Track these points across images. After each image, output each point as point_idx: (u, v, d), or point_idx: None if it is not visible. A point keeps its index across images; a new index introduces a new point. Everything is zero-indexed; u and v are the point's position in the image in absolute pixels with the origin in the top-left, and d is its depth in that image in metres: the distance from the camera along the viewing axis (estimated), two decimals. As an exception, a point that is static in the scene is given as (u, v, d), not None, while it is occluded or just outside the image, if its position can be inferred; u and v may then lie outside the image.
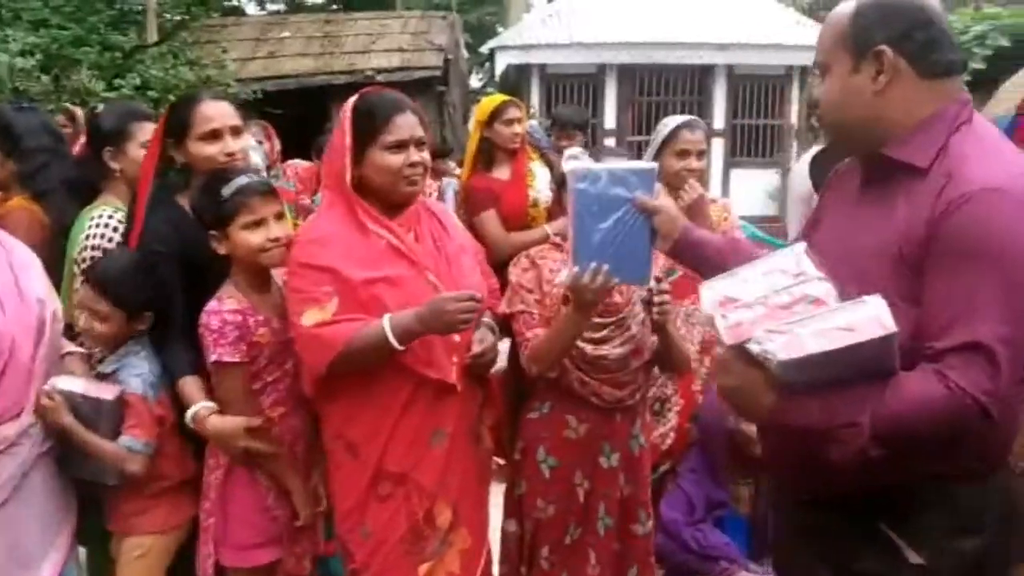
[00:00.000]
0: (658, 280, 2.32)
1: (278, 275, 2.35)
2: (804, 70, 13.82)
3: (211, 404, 2.25)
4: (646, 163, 2.10)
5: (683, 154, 3.17)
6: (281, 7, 18.39)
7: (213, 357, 2.21)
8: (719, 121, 13.80)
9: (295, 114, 10.17)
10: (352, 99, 2.24)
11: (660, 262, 2.29)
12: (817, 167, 3.57)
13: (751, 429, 2.81)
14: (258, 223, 2.22)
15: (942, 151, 1.59)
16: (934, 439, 1.51)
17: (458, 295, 2.08)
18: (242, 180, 2.24)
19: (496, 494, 2.57)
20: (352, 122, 2.18)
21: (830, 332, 1.38)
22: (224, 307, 2.23)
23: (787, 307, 1.44)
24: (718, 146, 13.67)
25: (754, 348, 1.43)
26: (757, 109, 13.89)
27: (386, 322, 2.08)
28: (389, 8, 14.45)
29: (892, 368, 1.45)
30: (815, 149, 4.41)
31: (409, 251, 2.19)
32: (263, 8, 18.47)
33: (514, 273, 2.52)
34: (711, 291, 1.57)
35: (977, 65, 13.62)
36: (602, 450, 2.49)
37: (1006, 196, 1.50)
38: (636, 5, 13.94)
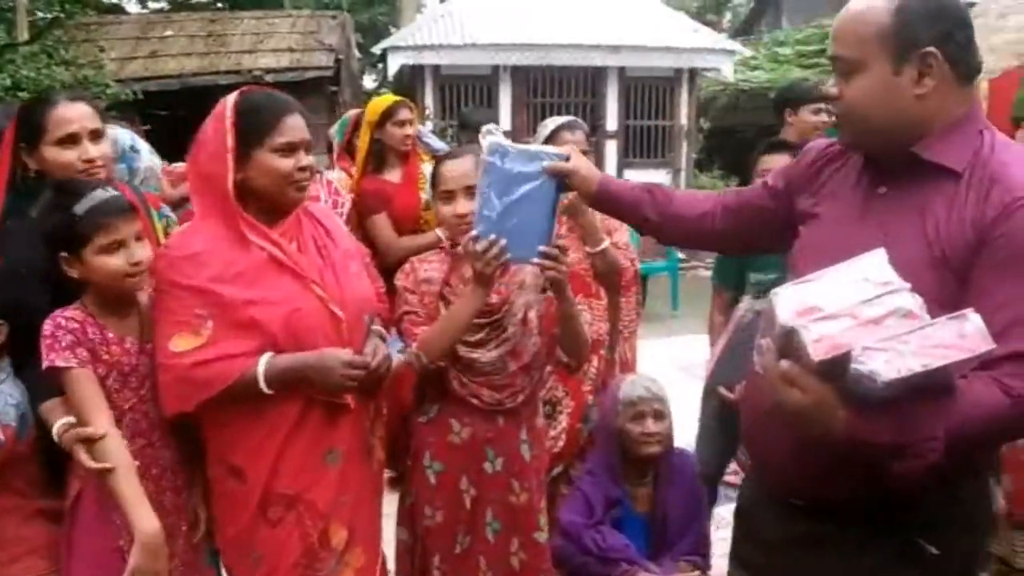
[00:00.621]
0: (559, 237, 2.26)
1: (143, 295, 2.15)
2: (692, 72, 14.15)
3: (70, 419, 2.00)
4: (559, 148, 2.15)
5: None
6: (164, 5, 17.77)
7: (45, 364, 1.95)
8: (612, 122, 13.99)
9: (179, 115, 9.83)
10: (232, 97, 2.10)
11: None
12: None
13: (636, 430, 2.83)
14: (118, 245, 2.00)
15: (975, 155, 1.57)
16: (992, 444, 1.53)
17: (352, 360, 2.02)
18: (98, 195, 2.00)
19: (391, 503, 2.51)
20: (235, 122, 2.05)
21: (931, 350, 1.30)
22: (62, 313, 2.00)
23: (878, 321, 1.34)
24: (611, 147, 13.87)
25: (860, 368, 1.31)
26: (648, 110, 14.14)
27: (261, 366, 1.99)
28: (277, 7, 14.14)
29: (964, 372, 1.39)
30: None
31: (293, 263, 2.07)
32: (145, 6, 17.81)
33: (399, 278, 2.47)
34: (788, 297, 1.43)
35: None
36: (486, 455, 2.43)
37: None
38: (529, 7, 14.00)
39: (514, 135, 13.58)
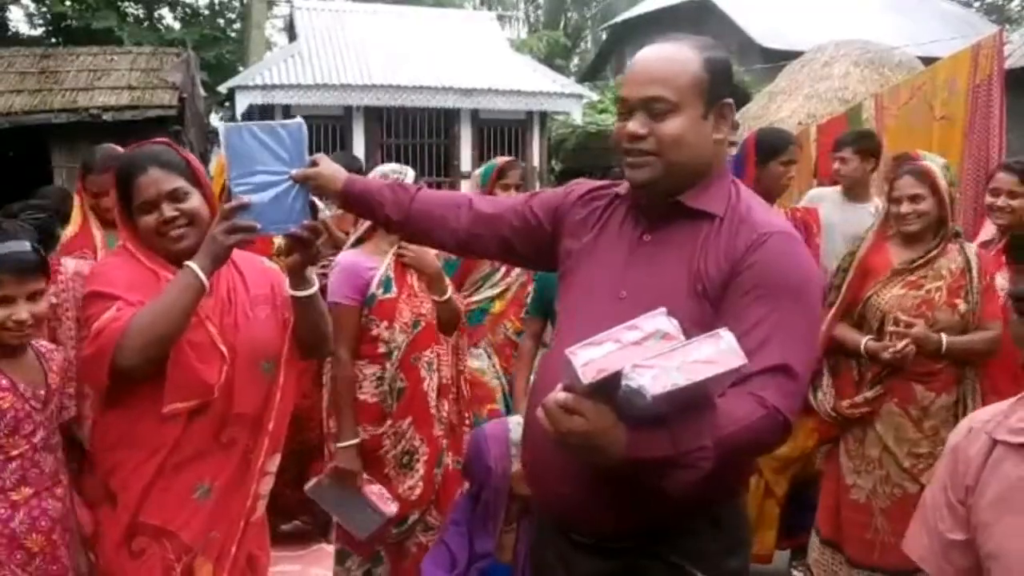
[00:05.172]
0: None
1: (42, 344, 2.19)
2: (543, 115, 14.49)
3: None
4: (292, 120, 2.09)
5: None
6: (-9, 39, 16.78)
7: None
8: (466, 163, 14.12)
9: (8, 155, 9.27)
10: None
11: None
12: None
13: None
14: (5, 300, 2.05)
15: (728, 201, 1.76)
16: (750, 454, 1.67)
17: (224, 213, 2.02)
18: (5, 247, 2.05)
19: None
20: (115, 187, 2.18)
21: (692, 365, 1.40)
22: None
23: (639, 343, 1.44)
24: (466, 187, 13.95)
25: (630, 384, 1.38)
26: (502, 152, 14.32)
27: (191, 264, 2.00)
28: (116, 44, 13.57)
29: (723, 389, 1.51)
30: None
31: None
32: (-32, 40, 16.76)
33: None
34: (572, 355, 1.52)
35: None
36: None
37: (793, 238, 1.74)
38: (380, 48, 14.02)
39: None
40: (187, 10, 18.78)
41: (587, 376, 1.41)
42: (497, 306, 3.87)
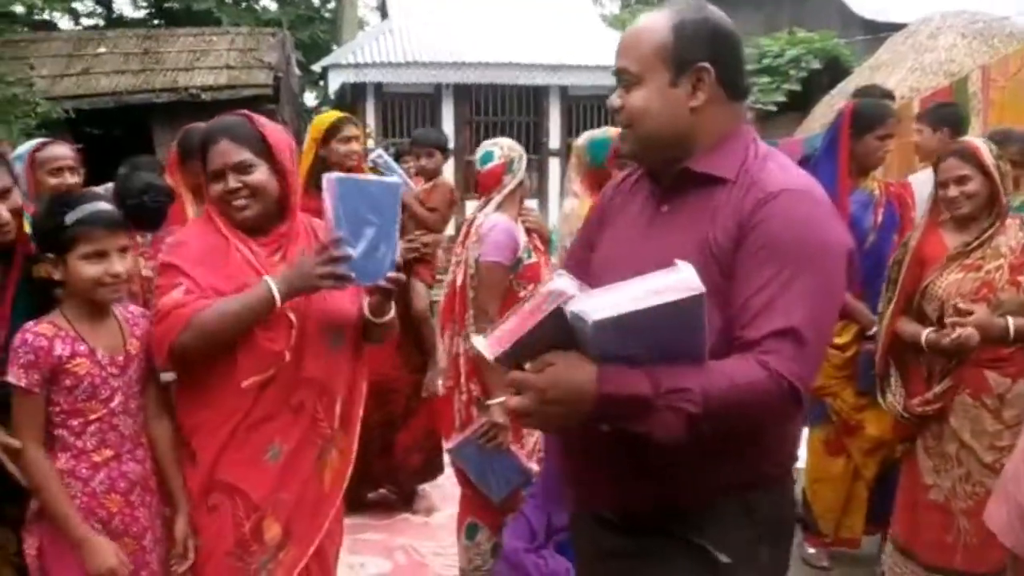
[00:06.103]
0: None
1: (119, 308, 2.26)
2: (633, 91, 14.30)
3: None
4: (391, 179, 2.12)
5: None
6: (97, 22, 17.41)
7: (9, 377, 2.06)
8: (555, 140, 14.06)
9: (114, 134, 9.63)
10: None
11: None
12: None
13: None
14: (100, 255, 2.10)
15: (743, 164, 1.69)
16: (754, 422, 1.56)
17: (324, 244, 2.08)
18: (89, 207, 2.11)
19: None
20: (200, 156, 2.26)
21: (642, 294, 1.39)
22: (34, 327, 2.08)
23: (537, 306, 1.45)
24: (555, 165, 13.91)
25: (572, 309, 1.39)
26: (591, 128, 14.21)
27: (269, 281, 2.08)
28: (215, 25, 13.94)
29: (701, 334, 1.45)
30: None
31: (262, 269, 2.16)
32: (77, 23, 17.42)
33: None
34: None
35: (793, 87, 14.54)
36: None
37: (808, 196, 1.63)
38: (471, 25, 14.05)
39: (457, 153, 13.59)
40: (282, -10, 19.13)
41: (492, 351, 1.46)
42: None
